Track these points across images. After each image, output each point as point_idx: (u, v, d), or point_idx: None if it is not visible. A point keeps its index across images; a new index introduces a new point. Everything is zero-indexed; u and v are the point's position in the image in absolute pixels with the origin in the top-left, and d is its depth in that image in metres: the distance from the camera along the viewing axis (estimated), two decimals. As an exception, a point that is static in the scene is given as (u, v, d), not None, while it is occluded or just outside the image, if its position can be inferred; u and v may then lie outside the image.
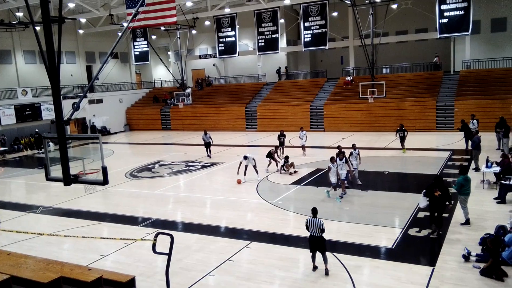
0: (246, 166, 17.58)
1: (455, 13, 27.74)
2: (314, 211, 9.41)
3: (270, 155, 19.24)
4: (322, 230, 9.08)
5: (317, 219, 9.19)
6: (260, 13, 33.84)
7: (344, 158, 14.67)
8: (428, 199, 10.99)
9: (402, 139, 21.38)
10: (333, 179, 14.40)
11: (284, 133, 23.23)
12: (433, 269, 9.21)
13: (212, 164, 21.86)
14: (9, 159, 28.45)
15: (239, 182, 17.42)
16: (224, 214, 14.09)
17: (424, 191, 11.26)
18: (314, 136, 30.65)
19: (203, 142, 23.67)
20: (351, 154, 16.03)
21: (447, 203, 10.82)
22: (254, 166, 17.75)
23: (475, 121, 22.20)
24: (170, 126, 38.76)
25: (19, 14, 29.79)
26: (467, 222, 11.53)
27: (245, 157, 17.54)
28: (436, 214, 10.79)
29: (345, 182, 14.80)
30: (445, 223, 11.76)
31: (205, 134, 23.45)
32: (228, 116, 35.99)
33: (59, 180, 7.60)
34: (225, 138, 30.33)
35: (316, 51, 39.66)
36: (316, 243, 9.21)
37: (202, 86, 41.37)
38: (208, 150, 23.52)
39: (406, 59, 35.95)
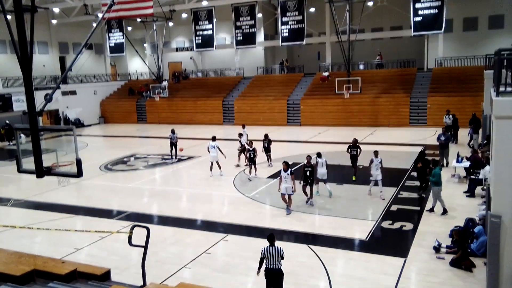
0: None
1: (429, 11, 28.29)
2: (271, 238, 7.78)
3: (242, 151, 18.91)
4: (282, 258, 7.68)
5: (275, 247, 7.68)
6: (238, 7, 33.70)
7: (289, 170, 12.47)
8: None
9: (354, 160, 16.05)
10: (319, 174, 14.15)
11: (269, 137, 19.63)
12: (405, 260, 9.47)
13: (189, 158, 21.75)
14: (-23, 151, 27.59)
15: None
16: (201, 207, 14.08)
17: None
18: (290, 130, 30.88)
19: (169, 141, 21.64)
20: (371, 162, 13.85)
21: (427, 170, 13.48)
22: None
23: (450, 116, 22.65)
24: (146, 119, 38.30)
25: (-11, 1, 28.83)
26: (445, 211, 11.99)
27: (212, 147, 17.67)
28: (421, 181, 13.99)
29: (291, 196, 12.71)
30: (417, 215, 12.11)
31: (173, 133, 21.40)
32: (205, 110, 35.81)
33: (31, 172, 7.45)
34: (202, 132, 30.17)
35: (293, 46, 39.79)
36: (274, 277, 7.64)
37: (179, 79, 40.99)
38: (174, 150, 21.48)
39: (382, 55, 36.49)
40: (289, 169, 12.67)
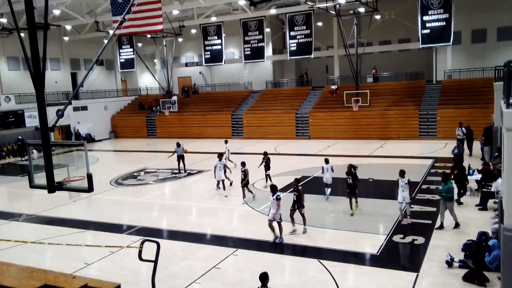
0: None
1: (437, 24, 28.34)
2: (263, 278, 7.11)
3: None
4: None
5: None
6: (246, 22, 34.07)
7: (276, 195, 11.56)
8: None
9: (353, 190, 13.79)
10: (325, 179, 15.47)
11: (268, 155, 18.42)
12: (417, 275, 9.34)
13: (198, 172, 21.80)
14: (-10, 167, 27.95)
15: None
16: (210, 221, 14.07)
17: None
18: (299, 143, 30.88)
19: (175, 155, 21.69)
20: (397, 182, 12.68)
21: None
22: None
23: (463, 128, 22.36)
24: (156, 134, 38.57)
25: (3, 20, 29.48)
26: (457, 225, 11.85)
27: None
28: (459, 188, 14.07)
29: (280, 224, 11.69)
30: (429, 229, 11.97)
31: (178, 146, 21.45)
32: (214, 124, 35.99)
33: (43, 188, 7.52)
34: (211, 146, 30.28)
35: (302, 60, 40.02)
36: None
37: (188, 93, 41.34)
38: (182, 163, 21.61)
39: (390, 68, 36.52)
40: (276, 194, 11.57)
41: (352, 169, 13.75)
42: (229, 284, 9.44)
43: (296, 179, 12.60)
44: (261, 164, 17.97)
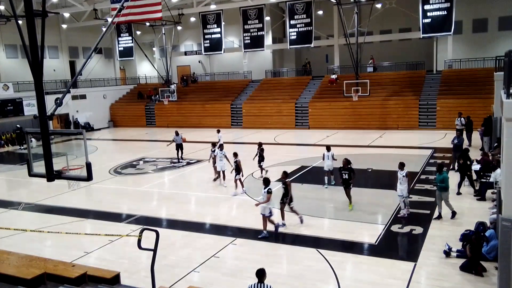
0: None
1: (438, 13, 28.14)
2: (260, 274, 6.90)
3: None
4: None
5: (264, 284, 6.78)
6: (246, 10, 33.81)
7: (267, 188, 11.37)
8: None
9: (347, 185, 13.23)
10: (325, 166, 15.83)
11: (262, 146, 18.22)
12: (415, 264, 9.40)
13: (197, 161, 21.81)
14: (-11, 155, 27.93)
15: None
16: (209, 210, 14.10)
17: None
18: (299, 133, 30.86)
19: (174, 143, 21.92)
20: (396, 174, 12.44)
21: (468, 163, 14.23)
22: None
23: (462, 118, 22.32)
24: (155, 123, 38.51)
25: (1, 7, 29.21)
26: (454, 214, 11.89)
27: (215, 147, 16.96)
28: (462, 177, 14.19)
29: (270, 217, 11.42)
30: (426, 219, 12.01)
31: (177, 134, 21.85)
32: (213, 113, 35.91)
33: (42, 176, 7.51)
34: (210, 135, 30.21)
35: (302, 49, 39.80)
36: None
37: (187, 82, 41.17)
38: (180, 152, 21.90)
39: (390, 58, 36.36)
40: (268, 187, 11.36)
41: (348, 164, 13.10)
42: (228, 273, 9.49)
43: (284, 172, 12.38)
44: (256, 155, 17.69)
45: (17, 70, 34.86)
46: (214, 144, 17.60)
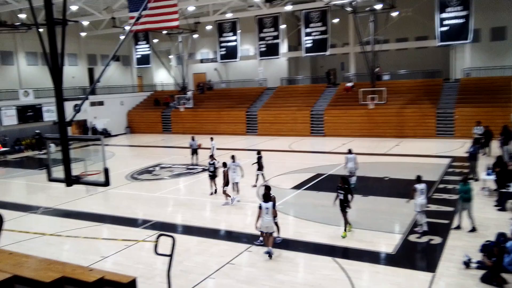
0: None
1: (455, 21, 27.87)
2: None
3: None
4: None
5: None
6: (262, 19, 33.99)
7: (273, 202, 10.76)
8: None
9: (344, 207, 11.83)
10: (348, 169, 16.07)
11: (261, 153, 18.07)
12: (434, 275, 9.22)
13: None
14: (10, 160, 28.45)
15: None
16: (224, 217, 14.10)
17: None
18: (314, 141, 30.75)
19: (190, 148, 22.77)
20: (413, 188, 11.71)
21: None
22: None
23: (480, 127, 21.93)
24: (171, 129, 38.80)
25: (22, 15, 29.91)
26: (473, 230, 11.58)
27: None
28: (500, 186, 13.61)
29: (274, 235, 10.81)
30: (446, 229, 11.80)
31: (193, 139, 22.82)
32: (228, 120, 36.05)
33: (61, 181, 7.61)
34: (226, 142, 30.35)
35: (317, 57, 39.79)
36: None
37: (203, 90, 41.45)
38: (196, 157, 22.64)
39: (407, 66, 36.08)
40: (272, 201, 10.78)
41: (345, 184, 11.94)
42: (244, 280, 9.45)
43: (266, 186, 11.57)
44: (255, 163, 17.50)
45: (37, 77, 35.59)
46: (212, 156, 16.72)
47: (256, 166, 17.53)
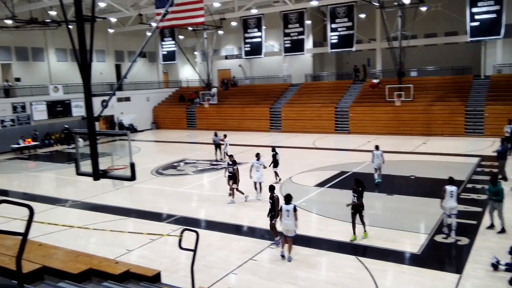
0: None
1: (487, 16, 27.05)
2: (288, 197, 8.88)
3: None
4: None
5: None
6: (287, 14, 33.83)
7: (294, 204, 10.19)
8: None
9: (357, 211, 11.20)
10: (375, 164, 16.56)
11: (276, 150, 17.96)
12: (460, 276, 9.02)
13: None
14: (40, 154, 29.30)
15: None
16: (247, 213, 14.15)
17: None
18: (338, 138, 30.46)
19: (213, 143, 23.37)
20: (443, 190, 11.13)
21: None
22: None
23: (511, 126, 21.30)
24: (196, 126, 39.14)
25: (52, 13, 30.66)
26: (503, 231, 11.27)
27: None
28: None
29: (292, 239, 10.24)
30: (474, 230, 11.52)
31: (216, 135, 23.42)
32: (252, 117, 36.10)
33: (88, 175, 7.78)
34: (249, 138, 30.43)
35: (342, 53, 39.34)
36: None
37: (227, 86, 41.62)
38: (219, 151, 23.24)
39: (435, 62, 35.28)
40: (276, 201, 10.64)
41: (359, 186, 11.19)
42: (266, 277, 9.47)
43: (271, 186, 11.36)
44: (271, 163, 17.28)
45: (66, 73, 36.46)
46: (231, 157, 15.90)
47: (272, 164, 17.36)
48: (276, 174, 17.51)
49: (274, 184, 11.75)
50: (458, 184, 15.51)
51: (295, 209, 9.99)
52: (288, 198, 10.21)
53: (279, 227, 10.54)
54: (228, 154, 18.11)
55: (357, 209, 11.15)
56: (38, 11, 32.44)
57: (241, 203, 15.12)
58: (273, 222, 10.90)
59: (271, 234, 11.71)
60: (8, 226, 12.20)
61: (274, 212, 10.80)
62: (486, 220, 11.96)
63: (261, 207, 14.71)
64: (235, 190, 15.10)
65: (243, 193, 15.21)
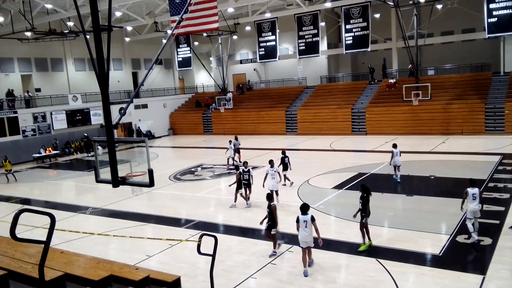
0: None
1: (505, 11, 26.58)
2: (305, 207, 9.12)
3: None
4: None
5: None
6: (301, 17, 33.81)
7: (311, 215, 9.61)
8: None
9: (361, 216, 10.76)
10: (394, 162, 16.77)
11: (287, 153, 18.02)
12: (484, 277, 8.84)
13: (253, 168, 21.94)
14: (60, 162, 29.84)
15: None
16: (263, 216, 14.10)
17: None
18: (355, 139, 30.24)
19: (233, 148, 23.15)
20: (465, 193, 10.65)
21: None
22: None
23: None
24: (212, 130, 39.34)
25: (70, 23, 31.28)
26: None
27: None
28: None
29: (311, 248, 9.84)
30: (496, 230, 11.28)
31: (236, 139, 23.66)
32: (268, 120, 36.11)
33: (108, 182, 7.89)
34: (266, 142, 30.43)
35: (358, 54, 39.09)
36: None
37: (242, 90, 41.74)
38: (239, 156, 23.29)
39: (453, 60, 34.74)
40: (273, 210, 10.49)
41: (365, 192, 10.69)
42: (285, 280, 9.44)
43: (268, 195, 11.22)
44: (279, 164, 16.96)
45: (84, 82, 37.12)
46: (246, 163, 15.50)
47: (281, 167, 17.20)
48: (286, 177, 17.43)
49: (270, 192, 11.57)
50: (479, 184, 15.29)
51: (313, 219, 9.46)
52: (304, 208, 9.62)
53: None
54: (241, 160, 18.08)
55: (361, 215, 10.67)
56: (57, 23, 33.11)
57: (257, 207, 15.12)
58: (272, 232, 10.61)
59: (289, 238, 11.67)
60: (30, 234, 12.45)
61: (273, 222, 10.57)
62: (509, 220, 11.71)
63: (279, 212, 14.69)
64: (239, 195, 15.07)
65: (247, 200, 15.16)
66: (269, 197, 11.07)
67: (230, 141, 23.24)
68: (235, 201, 15.26)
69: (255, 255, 10.85)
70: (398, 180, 16.93)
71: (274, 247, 10.81)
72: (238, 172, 15.34)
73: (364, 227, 10.69)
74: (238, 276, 9.69)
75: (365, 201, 10.66)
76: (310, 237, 9.53)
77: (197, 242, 7.74)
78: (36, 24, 27.95)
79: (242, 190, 15.14)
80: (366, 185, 11.00)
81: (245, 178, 14.83)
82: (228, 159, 22.95)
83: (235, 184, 15.26)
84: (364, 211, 10.62)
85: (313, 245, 9.67)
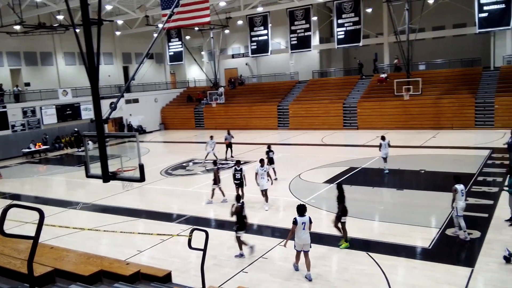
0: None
1: (495, 7, 26.75)
2: (301, 208, 8.95)
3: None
4: None
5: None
6: (293, 11, 33.75)
7: (309, 216, 9.22)
8: None
9: (340, 224, 10.72)
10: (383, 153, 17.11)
11: (272, 148, 18.27)
12: (472, 270, 8.95)
13: (245, 162, 21.94)
14: (50, 157, 29.59)
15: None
16: (257, 212, 14.14)
17: None
18: (347, 134, 30.35)
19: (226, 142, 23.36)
20: (453, 190, 10.53)
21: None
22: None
23: None
24: (204, 125, 39.24)
25: (60, 17, 30.93)
26: None
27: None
28: None
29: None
30: (485, 223, 11.41)
31: (228, 133, 23.53)
32: (260, 115, 36.08)
33: (98, 177, 7.84)
34: (258, 137, 30.42)
35: (349, 48, 39.15)
36: None
37: (234, 85, 41.64)
38: (231, 150, 23.36)
39: (444, 55, 34.95)
40: (242, 206, 10.36)
41: (338, 191, 10.70)
42: (277, 274, 9.48)
43: (236, 196, 11.27)
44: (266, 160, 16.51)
45: (74, 76, 36.78)
46: (238, 162, 14.95)
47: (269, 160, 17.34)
48: (274, 171, 17.43)
49: (240, 194, 11.57)
50: (469, 178, 15.47)
51: (311, 221, 9.18)
52: (301, 210, 9.17)
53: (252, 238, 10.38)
54: (233, 155, 17.92)
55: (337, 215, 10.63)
56: (46, 16, 32.74)
57: (255, 202, 15.14)
58: (237, 235, 10.39)
59: (281, 232, 11.72)
60: (21, 230, 12.35)
61: (240, 224, 10.38)
62: (497, 213, 11.85)
63: (271, 206, 14.75)
64: (215, 190, 15.04)
65: (224, 195, 15.17)
66: (237, 198, 11.02)
67: (212, 137, 22.84)
68: (212, 197, 15.17)
69: (247, 250, 10.85)
70: (386, 171, 17.24)
71: (240, 249, 10.48)
72: (216, 167, 15.33)
73: (339, 225, 10.61)
74: (229, 271, 9.71)
75: (339, 201, 10.63)
76: (309, 239, 9.18)
77: (188, 237, 7.73)
78: (25, 17, 27.58)
79: (218, 186, 15.08)
80: (340, 184, 11.10)
81: (236, 177, 14.38)
82: (207, 154, 22.50)
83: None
84: (342, 210, 10.53)
85: (309, 249, 9.23)
